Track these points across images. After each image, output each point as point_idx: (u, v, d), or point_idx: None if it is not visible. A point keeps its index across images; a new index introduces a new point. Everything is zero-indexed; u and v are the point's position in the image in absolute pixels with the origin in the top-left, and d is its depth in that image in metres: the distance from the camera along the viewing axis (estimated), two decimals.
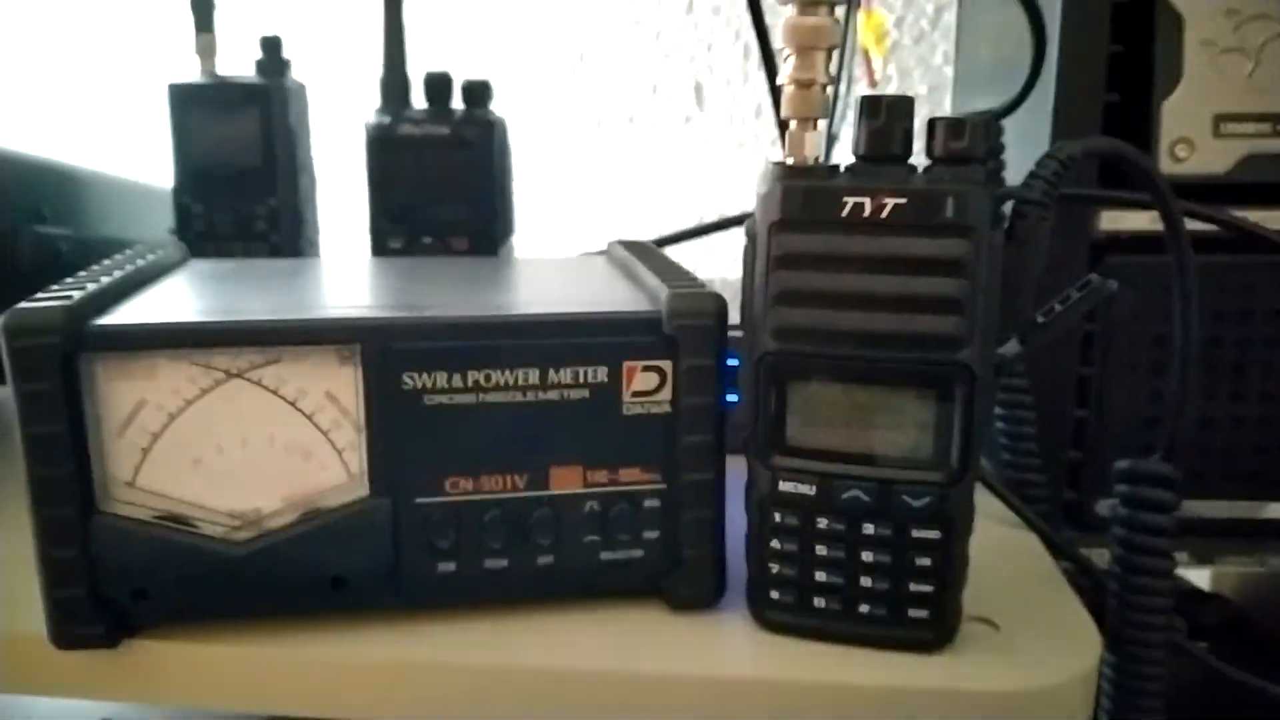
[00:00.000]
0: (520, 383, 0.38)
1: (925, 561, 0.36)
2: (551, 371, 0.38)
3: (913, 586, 0.36)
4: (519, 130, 0.65)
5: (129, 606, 0.38)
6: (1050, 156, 0.37)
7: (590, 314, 0.39)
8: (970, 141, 0.35)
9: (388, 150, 0.61)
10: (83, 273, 0.41)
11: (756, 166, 0.37)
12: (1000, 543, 0.46)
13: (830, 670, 0.37)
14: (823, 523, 0.37)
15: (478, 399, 0.38)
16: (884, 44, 0.88)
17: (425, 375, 0.37)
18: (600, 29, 1.02)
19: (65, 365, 0.35)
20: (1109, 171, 0.52)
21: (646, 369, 0.39)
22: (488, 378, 0.38)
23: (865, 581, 0.37)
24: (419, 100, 0.62)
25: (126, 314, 0.38)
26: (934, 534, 0.36)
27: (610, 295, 0.43)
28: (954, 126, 0.35)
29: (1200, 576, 0.67)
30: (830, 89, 0.37)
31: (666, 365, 0.39)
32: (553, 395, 0.38)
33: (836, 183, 0.35)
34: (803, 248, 0.36)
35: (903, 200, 0.34)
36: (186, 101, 0.63)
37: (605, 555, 0.40)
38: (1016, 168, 0.55)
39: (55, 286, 0.38)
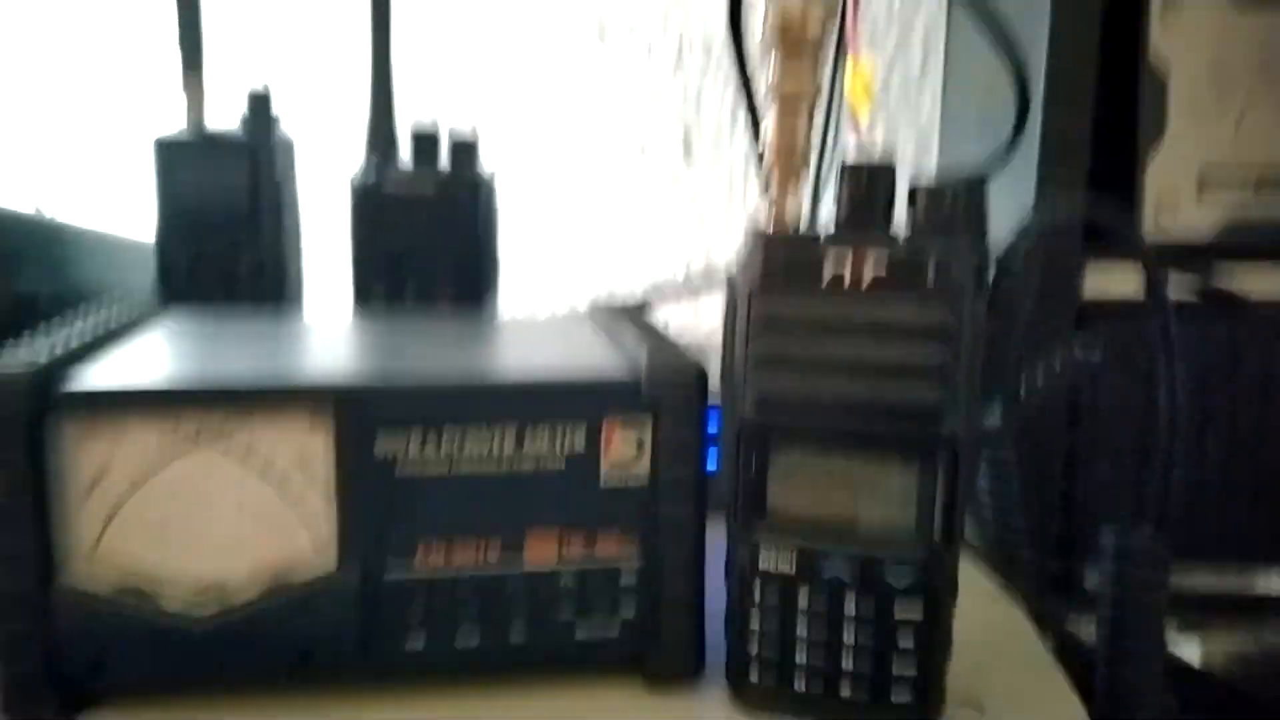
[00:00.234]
0: (496, 451, 0.37)
1: (909, 643, 0.35)
2: (528, 439, 0.37)
3: (896, 669, 0.35)
4: (509, 180, 0.65)
5: (85, 682, 0.37)
6: (1032, 224, 0.37)
7: (568, 380, 0.38)
8: (952, 208, 0.34)
9: (373, 207, 0.61)
10: (53, 332, 0.41)
11: (744, 220, 0.37)
12: (986, 617, 0.45)
13: None
14: (803, 601, 0.36)
15: (451, 469, 0.37)
16: (871, 96, 0.89)
17: (399, 441, 0.36)
18: (588, 81, 1.03)
19: (30, 429, 0.35)
20: (1094, 235, 0.52)
21: (625, 436, 0.38)
22: (462, 446, 0.37)
23: (847, 664, 0.36)
24: (406, 151, 0.62)
25: (96, 375, 0.37)
26: (917, 612, 0.35)
27: (590, 359, 0.43)
28: (935, 194, 0.34)
29: (1191, 652, 0.66)
30: (815, 144, 0.37)
31: (646, 433, 0.38)
32: (529, 465, 0.37)
33: (817, 250, 0.35)
34: (783, 314, 0.35)
35: (884, 268, 0.34)
36: (172, 156, 0.63)
37: (581, 633, 0.39)
38: (1001, 224, 0.55)
39: (24, 343, 0.38)
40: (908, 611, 0.35)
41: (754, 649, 0.37)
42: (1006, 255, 0.38)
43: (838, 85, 0.78)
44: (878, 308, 0.34)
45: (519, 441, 0.37)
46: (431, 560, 0.37)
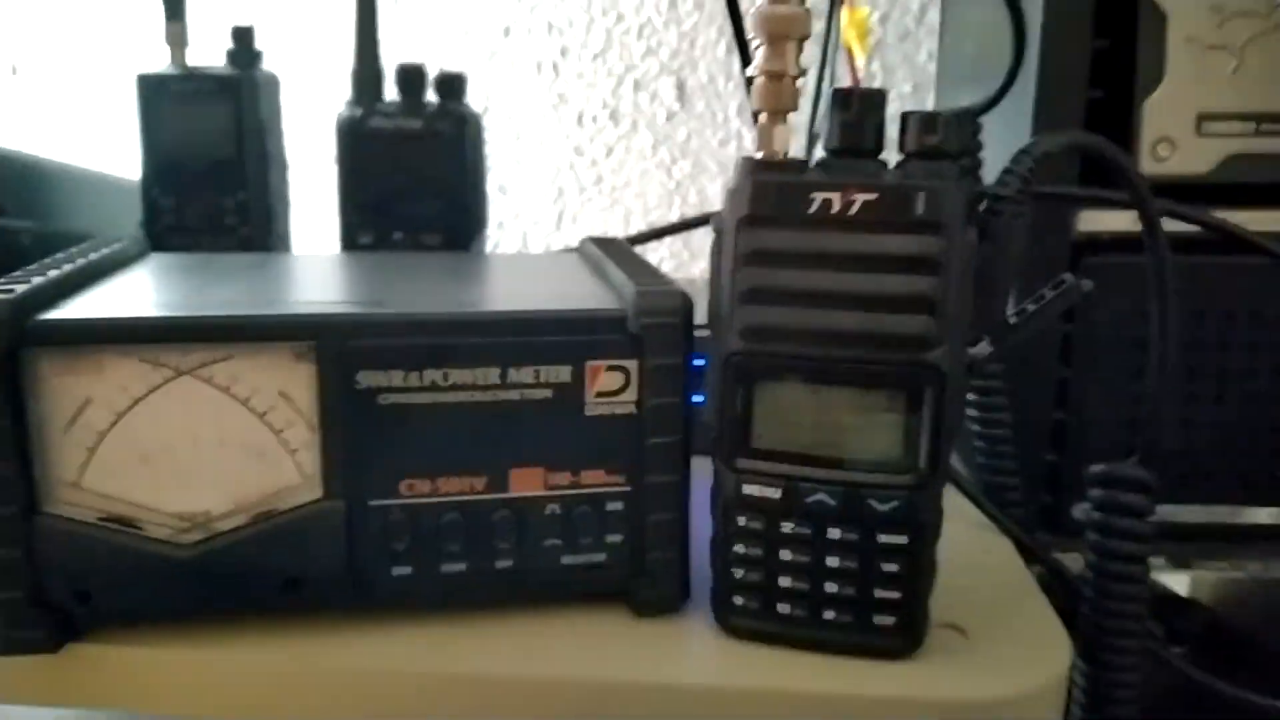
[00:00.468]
0: (480, 382, 0.37)
1: (892, 567, 0.35)
2: (512, 370, 0.37)
3: (879, 592, 0.35)
4: (499, 125, 0.64)
5: (72, 610, 0.37)
6: (1025, 152, 0.37)
7: (552, 311, 0.38)
8: (944, 136, 0.34)
9: (359, 143, 0.60)
10: (33, 266, 0.40)
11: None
12: (973, 547, 0.45)
13: (795, 678, 0.36)
14: (788, 527, 0.36)
15: (436, 398, 0.37)
16: (867, 41, 0.88)
17: (381, 373, 0.36)
18: (582, 23, 1.01)
19: (8, 361, 0.34)
20: (1089, 171, 0.51)
21: (611, 368, 0.38)
22: (446, 376, 0.37)
23: (831, 587, 0.36)
24: (392, 93, 0.61)
25: (74, 309, 0.37)
26: (901, 539, 0.35)
27: (576, 293, 0.42)
28: (927, 121, 0.34)
29: (1178, 582, 0.66)
30: (802, 81, 0.36)
31: (631, 365, 0.38)
32: (513, 395, 0.37)
33: (806, 178, 0.34)
34: (771, 244, 0.35)
35: (873, 196, 0.33)
36: (156, 93, 0.62)
37: (567, 559, 0.39)
38: (996, 166, 0.54)
39: (2, 279, 0.37)
40: (892, 538, 0.35)
41: (738, 574, 0.37)
42: (1000, 184, 0.37)
43: (833, 28, 0.77)
44: (866, 237, 0.34)
45: (503, 373, 0.37)
46: (417, 488, 0.37)
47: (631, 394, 0.38)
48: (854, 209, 0.34)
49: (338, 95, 0.61)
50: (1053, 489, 0.53)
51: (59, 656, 0.37)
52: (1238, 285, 0.51)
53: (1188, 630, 0.56)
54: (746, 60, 0.57)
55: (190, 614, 0.38)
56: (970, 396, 0.48)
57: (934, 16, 0.95)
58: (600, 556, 0.39)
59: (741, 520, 0.36)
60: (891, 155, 0.35)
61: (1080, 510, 0.41)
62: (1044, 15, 0.51)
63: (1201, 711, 0.45)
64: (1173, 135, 0.51)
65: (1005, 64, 0.54)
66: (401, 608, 0.39)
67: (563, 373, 0.37)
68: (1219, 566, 0.53)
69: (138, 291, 0.41)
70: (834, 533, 0.35)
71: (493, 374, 0.37)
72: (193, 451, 0.36)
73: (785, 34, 0.35)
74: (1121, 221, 0.51)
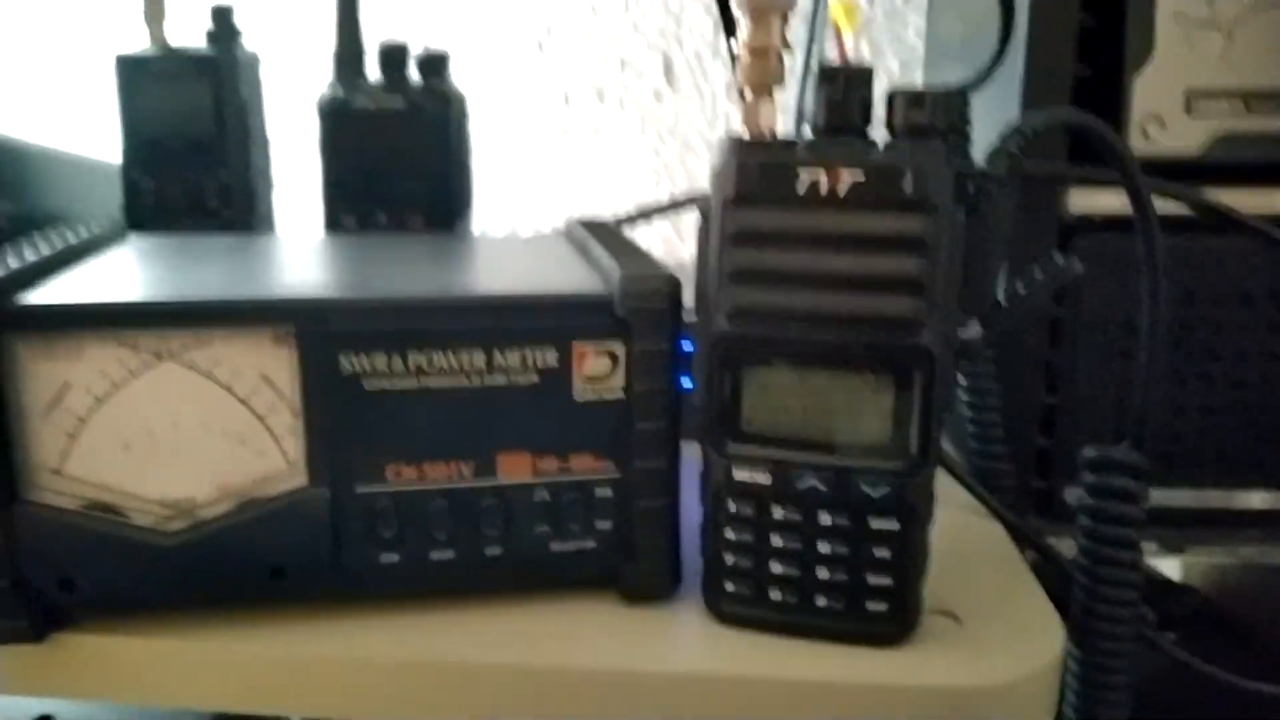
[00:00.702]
0: (465, 366, 0.36)
1: (884, 553, 0.35)
2: (498, 354, 0.37)
3: (871, 579, 0.35)
4: (484, 105, 0.63)
5: (56, 599, 0.36)
6: (1014, 131, 0.36)
7: (538, 294, 0.38)
8: (931, 114, 0.33)
9: (341, 124, 0.59)
10: (9, 249, 0.39)
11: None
12: (965, 532, 0.45)
13: (786, 665, 0.35)
14: (778, 512, 0.35)
15: (421, 383, 0.36)
16: (855, 19, 0.87)
17: (364, 358, 0.36)
18: (567, 2, 1.00)
19: None
20: (1079, 150, 0.51)
21: (598, 352, 0.37)
22: (431, 361, 0.36)
23: (822, 573, 0.35)
24: (375, 73, 0.60)
25: (52, 292, 0.36)
26: (893, 524, 0.35)
27: (562, 275, 0.42)
28: (914, 99, 0.33)
29: (1170, 566, 0.66)
30: (790, 60, 0.36)
31: (619, 348, 0.37)
32: (500, 380, 0.37)
33: (792, 156, 0.34)
34: (758, 224, 0.34)
35: (860, 175, 0.33)
36: (135, 73, 0.61)
37: (556, 546, 0.38)
38: (985, 143, 0.54)
39: None
40: (883, 524, 0.35)
41: (729, 560, 0.37)
42: (988, 163, 0.37)
43: (821, 6, 0.76)
44: (853, 217, 0.33)
45: (489, 357, 0.37)
46: (404, 475, 0.37)
47: (619, 378, 0.37)
48: (842, 188, 0.33)
49: (319, 75, 0.60)
50: (1044, 473, 0.53)
51: (43, 646, 0.37)
52: (1228, 266, 0.51)
53: (1180, 615, 0.56)
54: (732, 35, 0.57)
55: (175, 602, 0.38)
56: (961, 380, 0.48)
57: None
58: (589, 543, 0.38)
59: (732, 506, 0.36)
60: (880, 134, 0.35)
61: (1072, 494, 0.41)
62: None
63: (1194, 696, 0.45)
64: (1162, 114, 0.51)
65: (993, 41, 0.54)
66: (389, 596, 0.38)
67: (549, 357, 0.37)
68: (1211, 551, 0.52)
69: (117, 274, 0.41)
70: (825, 518, 0.35)
71: (478, 358, 0.36)
72: (175, 437, 0.36)
73: (769, 8, 0.34)
74: (1112, 202, 0.50)
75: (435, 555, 0.38)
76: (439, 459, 0.37)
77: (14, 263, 0.37)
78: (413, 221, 0.60)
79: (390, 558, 0.37)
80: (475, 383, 0.37)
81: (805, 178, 0.33)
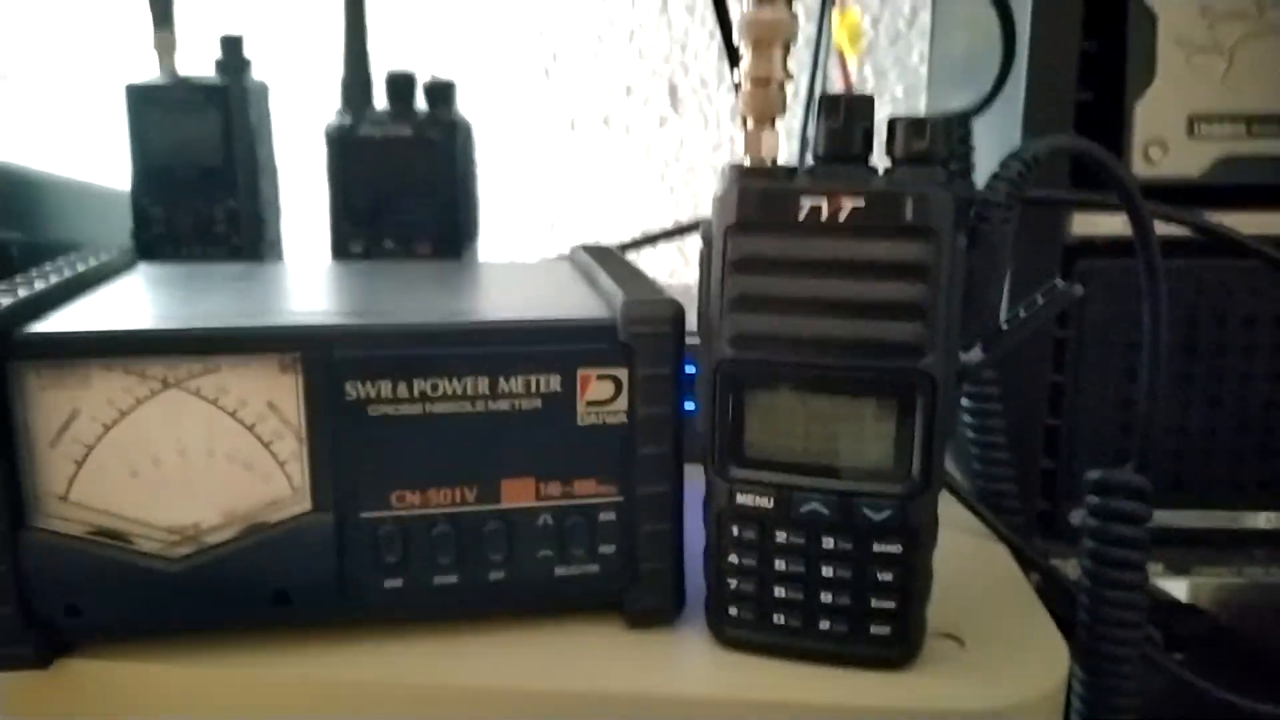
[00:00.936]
0: (469, 392, 0.37)
1: (887, 576, 0.35)
2: (502, 380, 0.37)
3: (875, 602, 0.35)
4: (490, 132, 0.64)
5: (61, 625, 0.36)
6: (1014, 157, 0.36)
7: (542, 320, 0.38)
8: (932, 142, 0.33)
9: (349, 152, 0.60)
10: (20, 277, 0.40)
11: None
12: (969, 554, 0.45)
13: (790, 689, 0.35)
14: (781, 536, 0.36)
15: (425, 409, 0.36)
16: (859, 44, 0.87)
17: (369, 384, 0.36)
18: (574, 28, 1.01)
19: None
20: (1081, 174, 0.51)
21: (601, 378, 0.37)
22: (435, 387, 0.36)
23: (826, 597, 0.35)
24: (382, 101, 0.61)
25: (60, 321, 0.37)
26: (896, 548, 0.35)
27: (567, 301, 0.42)
28: (915, 126, 0.34)
29: (1178, 587, 0.66)
30: (789, 92, 0.36)
31: (622, 374, 0.37)
32: (504, 405, 0.37)
33: (794, 184, 0.34)
34: (760, 251, 0.34)
35: (861, 202, 0.33)
36: (145, 102, 0.62)
37: (560, 570, 0.38)
38: (988, 168, 0.54)
39: None
40: (886, 547, 0.35)
41: (732, 584, 0.37)
42: (988, 189, 0.37)
43: (825, 32, 0.77)
44: (855, 243, 0.34)
45: (493, 383, 0.37)
46: (408, 500, 0.37)
47: (623, 403, 0.38)
48: (843, 215, 0.33)
49: (327, 103, 0.61)
50: (1049, 494, 0.53)
51: (48, 672, 0.37)
52: (1231, 288, 0.51)
53: (1187, 636, 0.56)
54: (735, 64, 0.57)
55: (181, 627, 0.38)
56: (964, 403, 0.48)
57: (925, 19, 0.95)
58: (593, 567, 0.38)
59: (735, 530, 0.36)
60: (882, 162, 0.35)
61: (1077, 516, 0.41)
62: (1033, 17, 0.51)
63: (1201, 717, 0.44)
64: (1164, 137, 0.51)
65: (996, 66, 0.54)
66: (393, 620, 0.39)
67: (553, 382, 0.37)
68: (1218, 572, 0.52)
69: (125, 303, 0.41)
70: (828, 542, 0.35)
71: (482, 384, 0.37)
72: (181, 464, 0.36)
73: (771, 39, 0.35)
74: (1114, 225, 0.50)
75: (439, 580, 0.38)
76: (443, 484, 0.37)
77: (23, 291, 0.37)
78: (420, 248, 0.60)
79: (394, 582, 0.37)
80: (479, 408, 0.37)
81: (806, 204, 0.34)
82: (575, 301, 0.42)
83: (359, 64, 0.61)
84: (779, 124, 0.36)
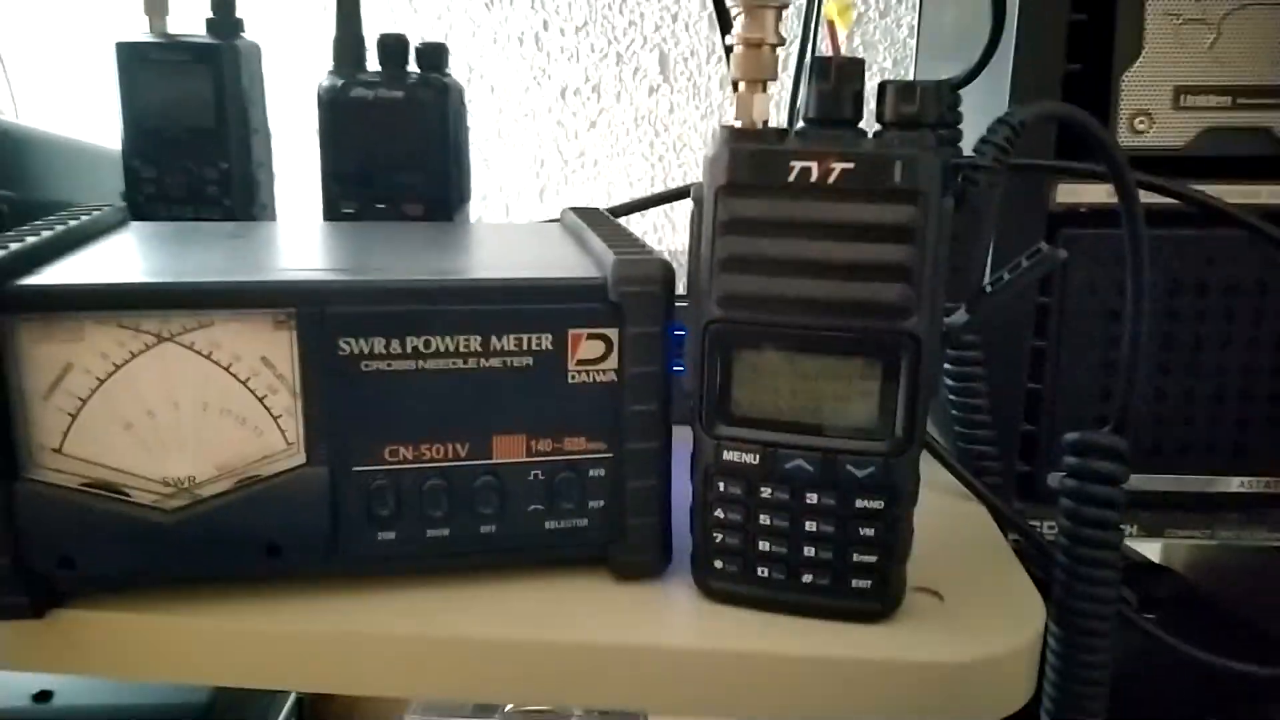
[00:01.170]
0: (461, 349, 0.37)
1: (869, 531, 0.36)
2: (494, 338, 0.37)
3: (857, 556, 0.36)
4: (483, 96, 0.64)
5: (56, 576, 0.37)
6: (1002, 122, 0.37)
7: (534, 279, 0.38)
8: (921, 106, 0.34)
9: (340, 113, 0.60)
10: (10, 233, 0.40)
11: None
12: (949, 514, 0.46)
13: (773, 640, 0.36)
14: (766, 492, 0.36)
15: (418, 365, 0.37)
16: (849, 16, 0.88)
17: (363, 340, 0.36)
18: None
19: None
20: (1067, 143, 0.51)
21: (592, 336, 0.38)
22: (427, 344, 0.37)
23: (809, 551, 0.36)
24: (374, 64, 0.61)
25: (52, 275, 0.37)
26: (878, 504, 0.35)
27: (558, 261, 0.43)
28: (904, 90, 0.34)
29: (1151, 550, 0.67)
30: (784, 54, 0.36)
31: (612, 333, 0.38)
32: (495, 363, 0.37)
33: (784, 146, 0.34)
34: (749, 212, 0.35)
35: (850, 165, 0.34)
36: (135, 61, 0.62)
37: (549, 524, 0.39)
38: (975, 138, 0.54)
39: None
40: (868, 503, 0.35)
41: (718, 538, 0.37)
42: (976, 154, 0.38)
43: (815, 6, 0.77)
44: (843, 205, 0.34)
45: (485, 341, 0.37)
46: (400, 455, 0.37)
47: (612, 362, 0.38)
48: (832, 177, 0.34)
49: (319, 65, 0.61)
50: (1028, 457, 0.54)
51: (43, 623, 0.37)
52: (1213, 257, 0.52)
53: (1160, 596, 0.57)
54: (727, 30, 0.57)
55: (174, 579, 0.38)
56: (947, 365, 0.49)
57: None
58: (582, 521, 0.39)
59: (721, 486, 0.37)
60: (871, 126, 0.35)
61: (1055, 478, 0.41)
62: None
63: (1173, 674, 0.45)
64: (1150, 108, 0.52)
65: (984, 38, 0.54)
66: (385, 572, 0.39)
67: (544, 340, 0.38)
68: (1191, 535, 0.53)
69: (118, 258, 0.41)
70: (812, 498, 0.36)
71: (474, 341, 0.37)
72: (175, 417, 0.36)
73: (764, 2, 0.35)
74: (1099, 193, 0.51)
75: (431, 533, 0.38)
76: (435, 439, 0.38)
77: (15, 245, 0.37)
78: (411, 210, 0.61)
79: (387, 535, 0.38)
80: (471, 365, 0.37)
81: (797, 167, 0.34)
82: (566, 261, 0.42)
83: (351, 25, 0.61)
84: (770, 88, 0.36)
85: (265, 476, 0.37)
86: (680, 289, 0.38)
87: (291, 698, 0.79)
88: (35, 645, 0.38)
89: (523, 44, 1.01)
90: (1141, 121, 0.52)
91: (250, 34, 0.64)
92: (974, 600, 0.39)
